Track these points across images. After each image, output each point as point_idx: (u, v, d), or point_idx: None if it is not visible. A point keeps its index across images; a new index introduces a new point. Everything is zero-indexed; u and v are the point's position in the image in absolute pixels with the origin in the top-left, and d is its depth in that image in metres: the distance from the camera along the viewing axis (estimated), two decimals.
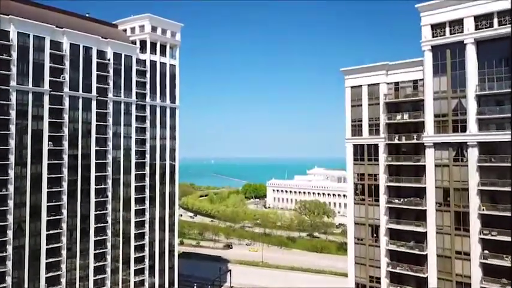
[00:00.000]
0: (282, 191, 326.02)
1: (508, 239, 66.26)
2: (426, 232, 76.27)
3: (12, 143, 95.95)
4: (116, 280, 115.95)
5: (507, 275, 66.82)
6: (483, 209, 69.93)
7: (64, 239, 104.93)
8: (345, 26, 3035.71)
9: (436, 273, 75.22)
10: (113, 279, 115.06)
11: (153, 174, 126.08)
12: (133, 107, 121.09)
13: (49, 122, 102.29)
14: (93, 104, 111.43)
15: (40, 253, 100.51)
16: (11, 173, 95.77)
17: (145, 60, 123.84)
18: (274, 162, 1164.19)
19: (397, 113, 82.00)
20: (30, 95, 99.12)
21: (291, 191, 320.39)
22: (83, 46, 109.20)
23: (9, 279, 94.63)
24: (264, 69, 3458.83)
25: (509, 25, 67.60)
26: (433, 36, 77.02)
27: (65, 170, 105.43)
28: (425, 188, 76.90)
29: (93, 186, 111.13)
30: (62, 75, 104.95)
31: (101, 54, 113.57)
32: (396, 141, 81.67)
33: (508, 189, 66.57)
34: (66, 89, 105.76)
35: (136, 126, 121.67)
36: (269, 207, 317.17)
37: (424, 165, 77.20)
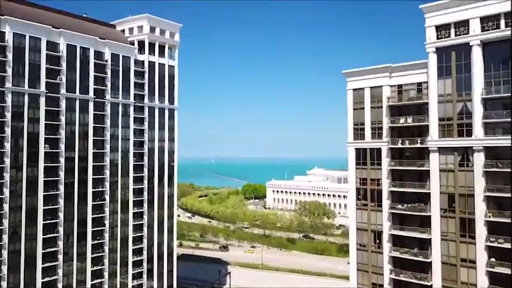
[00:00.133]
0: (281, 191, 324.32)
1: None
2: (430, 239, 74.49)
3: (7, 145, 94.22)
4: (113, 284, 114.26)
5: None
6: (489, 216, 68.13)
7: (61, 243, 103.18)
8: (345, 26, 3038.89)
9: (440, 281, 73.41)
10: (110, 284, 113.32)
11: (151, 176, 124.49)
12: (132, 109, 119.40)
13: (45, 124, 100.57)
14: (91, 105, 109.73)
15: (36, 257, 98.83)
16: (6, 176, 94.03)
17: (143, 61, 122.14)
18: (274, 162, 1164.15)
19: (401, 117, 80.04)
20: (26, 97, 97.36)
21: (290, 192, 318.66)
22: (80, 47, 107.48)
23: (4, 284, 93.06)
24: (264, 69, 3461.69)
25: None
26: (437, 38, 75.22)
27: (62, 173, 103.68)
28: (429, 193, 75.07)
29: (90, 189, 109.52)
30: (58, 77, 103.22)
31: (99, 55, 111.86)
32: (399, 146, 79.64)
33: None
34: (62, 91, 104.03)
35: (134, 128, 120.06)
36: (269, 207, 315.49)
37: (429, 170, 75.39)
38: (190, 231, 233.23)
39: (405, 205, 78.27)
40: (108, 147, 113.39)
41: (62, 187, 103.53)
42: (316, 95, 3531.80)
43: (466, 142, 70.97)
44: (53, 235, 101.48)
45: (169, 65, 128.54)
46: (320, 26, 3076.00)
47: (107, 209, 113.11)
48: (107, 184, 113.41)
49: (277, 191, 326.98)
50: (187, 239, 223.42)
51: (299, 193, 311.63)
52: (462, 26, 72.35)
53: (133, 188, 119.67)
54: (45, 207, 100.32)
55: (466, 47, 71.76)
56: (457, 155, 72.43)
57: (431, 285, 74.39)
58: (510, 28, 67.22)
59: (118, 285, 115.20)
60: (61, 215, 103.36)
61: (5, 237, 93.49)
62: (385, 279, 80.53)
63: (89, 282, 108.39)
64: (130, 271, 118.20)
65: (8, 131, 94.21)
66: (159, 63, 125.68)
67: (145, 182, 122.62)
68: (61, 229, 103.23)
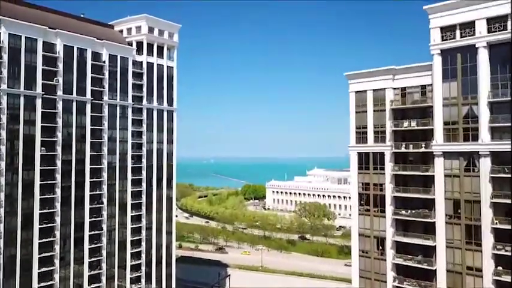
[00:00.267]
0: (281, 192, 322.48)
1: None
2: (435, 246, 72.63)
3: (3, 148, 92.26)
4: None
5: None
6: (496, 223, 66.28)
7: (57, 247, 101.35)
8: (345, 26, 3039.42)
9: None
10: None
11: (150, 179, 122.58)
12: (130, 110, 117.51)
13: (42, 126, 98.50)
14: (88, 107, 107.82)
15: (32, 262, 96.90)
16: (2, 180, 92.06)
17: (141, 62, 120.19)
18: (274, 162, 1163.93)
19: (404, 120, 78.17)
20: (21, 99, 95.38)
21: (290, 193, 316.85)
22: (77, 48, 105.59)
23: None
24: (263, 69, 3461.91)
25: None
26: (442, 40, 73.40)
27: (58, 176, 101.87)
28: (434, 199, 73.25)
29: (87, 193, 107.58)
30: (55, 78, 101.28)
31: (96, 56, 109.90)
32: (403, 150, 77.81)
33: None
34: (59, 92, 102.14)
35: (132, 130, 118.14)
36: (268, 208, 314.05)
37: (433, 176, 73.54)
38: (190, 232, 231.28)
39: (409, 211, 76.38)
40: (105, 149, 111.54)
41: (58, 190, 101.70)
42: (316, 95, 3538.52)
43: (472, 147, 69.14)
44: (49, 239, 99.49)
45: (168, 66, 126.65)
46: (320, 26, 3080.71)
47: (104, 213, 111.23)
48: (105, 187, 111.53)
49: (277, 192, 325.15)
50: (186, 241, 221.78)
51: (299, 194, 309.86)
52: (468, 27, 70.52)
53: (132, 191, 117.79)
54: (42, 211, 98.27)
55: (472, 49, 69.95)
56: (463, 160, 70.62)
57: None
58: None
59: None
60: (58, 218, 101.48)
61: (1, 242, 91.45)
62: (388, 287, 78.69)
63: (86, 287, 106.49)
64: (129, 275, 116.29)
65: (3, 133, 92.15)
66: (157, 64, 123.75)
67: (144, 184, 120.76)
68: (58, 233, 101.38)
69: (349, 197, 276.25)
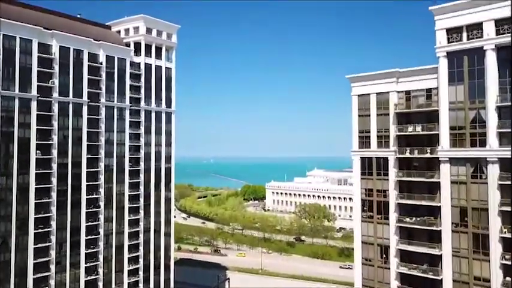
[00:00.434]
0: (281, 193, 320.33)
1: None
2: (441, 255, 70.27)
3: None
4: None
5: None
6: (505, 232, 63.95)
7: (53, 252, 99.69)
8: (346, 26, 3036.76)
9: None
10: None
11: (147, 182, 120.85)
12: (127, 113, 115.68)
13: (37, 129, 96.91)
14: (84, 109, 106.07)
15: (27, 268, 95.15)
16: None
17: (139, 63, 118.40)
18: (274, 162, 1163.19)
19: (409, 125, 75.78)
20: (16, 101, 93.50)
21: (290, 194, 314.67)
22: (74, 49, 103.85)
23: None
24: (264, 69, 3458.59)
25: None
26: (448, 42, 71.09)
27: (54, 180, 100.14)
28: (439, 206, 70.92)
29: (84, 196, 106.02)
30: (50, 80, 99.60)
31: (93, 57, 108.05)
32: (408, 155, 75.47)
33: None
34: (55, 95, 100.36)
35: (130, 133, 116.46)
36: (268, 209, 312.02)
37: (439, 182, 71.15)
38: (192, 235, 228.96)
39: (414, 218, 74.10)
40: (102, 152, 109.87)
41: (54, 194, 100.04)
42: (316, 95, 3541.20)
43: (480, 153, 66.84)
44: (45, 244, 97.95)
45: (166, 67, 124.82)
46: (320, 26, 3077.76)
47: (101, 217, 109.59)
48: (102, 191, 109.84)
49: (277, 193, 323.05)
50: (185, 243, 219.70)
51: (299, 195, 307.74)
52: (475, 29, 68.16)
53: (129, 195, 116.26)
54: (37, 216, 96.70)
55: (480, 52, 67.55)
56: (470, 166, 68.30)
57: None
58: None
59: None
60: (53, 223, 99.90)
61: None
62: None
63: None
64: (126, 280, 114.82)
65: None
66: (155, 66, 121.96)
67: (142, 188, 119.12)
68: (53, 238, 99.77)
69: (350, 198, 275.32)
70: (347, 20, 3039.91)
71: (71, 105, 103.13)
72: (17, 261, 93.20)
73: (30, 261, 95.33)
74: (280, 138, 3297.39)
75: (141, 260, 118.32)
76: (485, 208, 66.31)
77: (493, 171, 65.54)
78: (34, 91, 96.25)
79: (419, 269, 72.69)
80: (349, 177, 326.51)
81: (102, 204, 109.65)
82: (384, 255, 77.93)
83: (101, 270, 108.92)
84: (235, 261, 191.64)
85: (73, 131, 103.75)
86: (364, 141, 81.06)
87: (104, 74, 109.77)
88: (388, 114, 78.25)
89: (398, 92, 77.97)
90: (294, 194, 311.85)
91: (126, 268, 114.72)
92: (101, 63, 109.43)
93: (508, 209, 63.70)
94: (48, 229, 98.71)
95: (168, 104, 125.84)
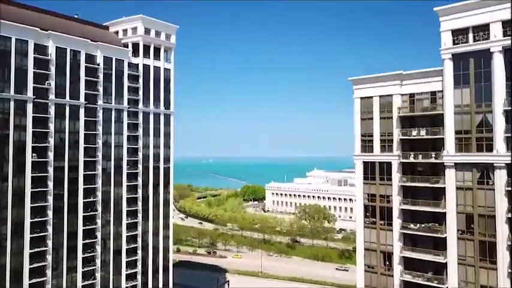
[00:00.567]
0: (281, 194, 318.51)
1: None
2: (446, 263, 68.40)
3: None
4: None
5: None
6: None
7: (49, 257, 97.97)
8: (346, 26, 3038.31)
9: None
10: None
11: (146, 185, 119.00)
12: (125, 114, 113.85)
13: (33, 132, 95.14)
14: (81, 111, 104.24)
15: (23, 273, 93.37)
16: None
17: (138, 64, 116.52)
18: (274, 162, 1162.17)
19: (413, 129, 73.86)
20: (11, 103, 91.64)
21: (290, 194, 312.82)
22: (70, 50, 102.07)
23: None
24: (264, 69, 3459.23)
25: None
26: (454, 44, 69.28)
27: (51, 184, 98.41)
28: (445, 213, 69.08)
29: (81, 200, 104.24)
30: (47, 82, 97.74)
31: (90, 58, 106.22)
32: (412, 160, 73.54)
33: None
34: (51, 96, 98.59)
35: (128, 135, 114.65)
36: (268, 210, 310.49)
37: (444, 188, 69.30)
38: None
39: (418, 225, 72.25)
40: (100, 155, 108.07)
41: (50, 198, 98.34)
42: (317, 95, 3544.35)
43: (486, 158, 64.99)
44: (41, 249, 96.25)
45: (165, 68, 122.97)
46: (320, 26, 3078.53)
47: (98, 221, 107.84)
48: (99, 194, 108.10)
49: (277, 194, 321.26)
50: (184, 244, 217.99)
51: (299, 196, 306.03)
52: (482, 30, 66.37)
53: (127, 198, 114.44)
54: (33, 220, 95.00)
55: (486, 54, 65.73)
56: (476, 172, 66.44)
57: None
58: None
59: None
60: (50, 227, 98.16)
61: None
62: None
63: None
64: (124, 284, 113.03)
65: None
66: (154, 67, 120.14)
67: (140, 191, 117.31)
68: (50, 242, 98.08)
69: (350, 199, 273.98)
70: (347, 20, 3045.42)
71: (67, 107, 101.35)
72: (12, 266, 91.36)
73: (26, 266, 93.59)
74: (280, 138, 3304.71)
75: (139, 264, 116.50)
76: (492, 215, 64.45)
77: (500, 177, 63.69)
78: (30, 93, 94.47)
79: (424, 277, 70.84)
80: (349, 178, 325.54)
81: (99, 207, 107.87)
82: (387, 262, 76.11)
83: (98, 275, 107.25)
84: (235, 263, 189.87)
85: (70, 134, 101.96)
86: (367, 145, 79.20)
87: (101, 76, 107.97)
88: (392, 118, 76.46)
89: (402, 94, 76.14)
90: (294, 195, 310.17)
91: (124, 272, 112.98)
92: (99, 65, 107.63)
93: None
94: (45, 233, 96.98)
95: (167, 105, 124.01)
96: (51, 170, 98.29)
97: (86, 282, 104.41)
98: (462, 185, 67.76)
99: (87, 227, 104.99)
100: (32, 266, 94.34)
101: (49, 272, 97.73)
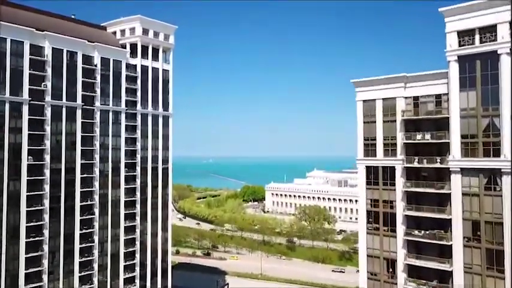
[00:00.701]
0: (281, 195, 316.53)
1: None
2: (452, 271, 66.59)
3: None
4: None
5: None
6: None
7: (45, 261, 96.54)
8: (346, 26, 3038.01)
9: None
10: None
11: (144, 187, 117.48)
12: (123, 116, 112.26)
13: (29, 134, 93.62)
14: (78, 113, 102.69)
15: (18, 278, 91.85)
16: None
17: (136, 65, 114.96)
18: (274, 162, 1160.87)
19: (417, 132, 72.03)
20: (7, 105, 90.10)
21: (290, 195, 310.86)
22: (67, 51, 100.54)
23: None
24: (264, 69, 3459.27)
25: None
26: (459, 45, 67.48)
27: (47, 187, 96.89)
28: (450, 219, 67.30)
29: (78, 203, 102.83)
30: (43, 83, 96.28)
31: (87, 59, 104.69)
32: (416, 165, 71.70)
33: None
34: (48, 98, 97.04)
35: (126, 137, 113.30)
36: (268, 211, 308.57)
37: (449, 194, 67.54)
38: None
39: (422, 232, 70.40)
40: (97, 157, 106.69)
41: (47, 202, 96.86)
42: (317, 95, 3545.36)
43: (493, 163, 63.17)
44: (37, 253, 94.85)
45: (163, 69, 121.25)
46: (321, 26, 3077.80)
47: (96, 224, 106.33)
48: (96, 197, 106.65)
49: (276, 194, 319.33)
50: (184, 246, 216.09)
51: (298, 197, 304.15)
52: (489, 31, 64.55)
53: (125, 201, 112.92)
54: (29, 224, 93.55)
55: (493, 56, 63.93)
56: (483, 177, 64.61)
57: None
58: None
59: None
60: (46, 231, 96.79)
61: None
62: None
63: None
64: None
65: None
66: (152, 67, 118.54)
67: (138, 193, 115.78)
68: (46, 247, 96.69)
69: (350, 200, 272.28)
70: (347, 20, 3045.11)
71: (64, 109, 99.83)
72: (8, 271, 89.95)
73: (22, 271, 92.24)
74: (280, 138, 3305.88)
75: (137, 268, 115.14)
76: (499, 222, 62.66)
77: (508, 183, 61.90)
78: (26, 95, 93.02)
79: (429, 285, 69.09)
80: (350, 179, 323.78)
81: (97, 211, 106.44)
82: (391, 270, 74.23)
83: (95, 279, 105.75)
84: (234, 265, 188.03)
85: (66, 136, 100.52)
86: (370, 149, 77.28)
87: (98, 77, 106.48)
88: (395, 121, 74.61)
89: (406, 97, 74.31)
90: (294, 196, 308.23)
91: (122, 276, 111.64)
92: (96, 66, 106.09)
93: None
94: (41, 238, 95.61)
95: (165, 106, 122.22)
96: (47, 172, 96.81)
97: (83, 287, 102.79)
98: (468, 191, 65.95)
99: (84, 231, 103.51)
100: (27, 271, 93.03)
101: (45, 277, 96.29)
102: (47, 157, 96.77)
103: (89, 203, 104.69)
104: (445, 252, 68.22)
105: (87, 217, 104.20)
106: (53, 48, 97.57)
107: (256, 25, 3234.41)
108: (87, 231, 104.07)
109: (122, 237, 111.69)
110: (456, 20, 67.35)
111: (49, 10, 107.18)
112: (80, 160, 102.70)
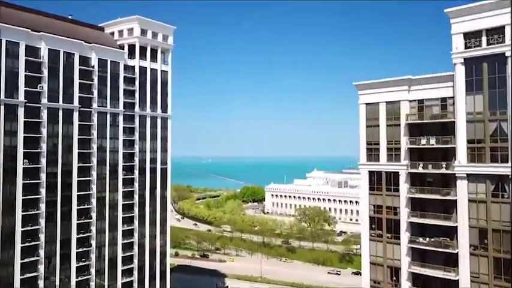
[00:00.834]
0: (280, 195, 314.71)
1: None
2: (458, 280, 64.60)
3: None
4: None
5: None
6: None
7: (41, 267, 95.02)
8: (349, 26, 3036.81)
9: None
10: None
11: (142, 190, 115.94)
12: (121, 118, 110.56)
13: (24, 137, 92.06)
14: (75, 115, 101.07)
15: (13, 284, 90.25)
16: None
17: (134, 67, 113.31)
18: (274, 162, 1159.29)
19: (422, 137, 69.78)
20: (2, 108, 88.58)
21: (290, 196, 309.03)
22: (64, 52, 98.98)
23: None
24: (266, 69, 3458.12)
25: None
26: (466, 47, 65.50)
27: (43, 191, 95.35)
28: (456, 227, 65.32)
29: (75, 207, 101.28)
30: (39, 85, 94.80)
31: (84, 60, 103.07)
32: (421, 170, 69.65)
33: None
34: (44, 100, 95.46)
35: (124, 139, 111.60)
36: (268, 212, 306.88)
37: (455, 200, 65.54)
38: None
39: (427, 239, 68.36)
40: (94, 160, 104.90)
41: (43, 206, 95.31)
42: (320, 95, 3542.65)
43: (501, 169, 61.16)
44: (32, 259, 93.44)
45: (162, 70, 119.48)
46: (324, 26, 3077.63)
47: (93, 228, 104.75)
48: (94, 201, 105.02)
49: (276, 195, 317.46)
50: (183, 247, 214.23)
51: (298, 197, 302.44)
52: (496, 33, 62.56)
53: (123, 204, 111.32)
54: (24, 229, 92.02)
55: (501, 58, 61.92)
56: (490, 184, 62.61)
57: None
58: None
59: None
60: (42, 236, 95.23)
61: None
62: None
63: None
64: None
65: None
66: (151, 69, 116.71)
67: (136, 197, 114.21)
68: (42, 252, 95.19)
69: (350, 201, 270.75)
70: (351, 20, 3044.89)
71: (60, 111, 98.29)
72: (3, 277, 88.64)
73: (17, 277, 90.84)
74: (282, 138, 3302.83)
75: (135, 272, 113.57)
76: (507, 230, 60.58)
77: None
78: (21, 97, 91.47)
79: None
80: (350, 179, 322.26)
81: (94, 214, 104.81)
82: (394, 278, 72.29)
83: (92, 284, 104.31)
84: (234, 267, 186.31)
85: (63, 139, 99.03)
86: (373, 154, 75.29)
87: (96, 78, 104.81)
88: (399, 125, 72.56)
89: (410, 101, 72.27)
90: (294, 197, 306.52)
91: (119, 281, 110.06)
92: (93, 67, 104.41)
93: None
94: (37, 242, 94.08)
95: (164, 108, 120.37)
96: (43, 176, 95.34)
97: None
98: (475, 198, 63.97)
99: (81, 235, 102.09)
100: (23, 277, 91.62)
101: (41, 283, 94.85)
102: (43, 160, 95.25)
103: (86, 206, 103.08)
104: (451, 261, 66.20)
105: (84, 221, 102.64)
106: (49, 49, 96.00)
107: (259, 25, 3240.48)
108: (84, 235, 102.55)
109: (120, 241, 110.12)
110: (462, 22, 65.35)
111: (45, 10, 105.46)
112: (76, 163, 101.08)
